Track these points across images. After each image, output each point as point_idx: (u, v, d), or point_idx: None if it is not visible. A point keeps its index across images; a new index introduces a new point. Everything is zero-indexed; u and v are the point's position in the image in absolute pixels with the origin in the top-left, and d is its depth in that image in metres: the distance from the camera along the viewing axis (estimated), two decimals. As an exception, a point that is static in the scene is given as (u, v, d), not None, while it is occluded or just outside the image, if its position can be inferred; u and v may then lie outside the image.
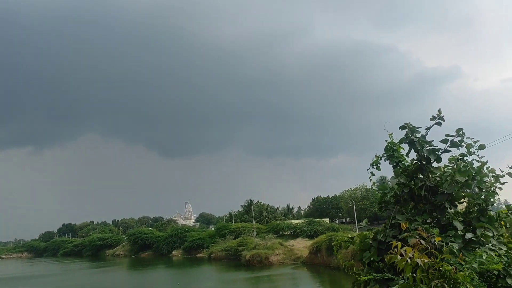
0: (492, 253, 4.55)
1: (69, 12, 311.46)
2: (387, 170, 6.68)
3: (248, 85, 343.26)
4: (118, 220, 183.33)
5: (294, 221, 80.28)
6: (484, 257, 4.32)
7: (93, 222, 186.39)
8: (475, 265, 4.09)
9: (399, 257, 3.41)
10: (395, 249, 3.52)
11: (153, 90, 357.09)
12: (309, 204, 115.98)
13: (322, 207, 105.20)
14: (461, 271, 3.82)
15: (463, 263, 4.25)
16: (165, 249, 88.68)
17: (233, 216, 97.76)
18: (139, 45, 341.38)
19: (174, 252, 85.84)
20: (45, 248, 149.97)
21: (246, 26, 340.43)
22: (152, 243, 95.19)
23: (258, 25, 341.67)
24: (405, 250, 3.47)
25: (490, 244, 4.86)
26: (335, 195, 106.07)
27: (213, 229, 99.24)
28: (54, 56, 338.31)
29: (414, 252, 3.49)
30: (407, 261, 3.40)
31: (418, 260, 3.42)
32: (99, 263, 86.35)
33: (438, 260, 3.56)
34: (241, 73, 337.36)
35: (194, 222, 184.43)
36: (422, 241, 3.73)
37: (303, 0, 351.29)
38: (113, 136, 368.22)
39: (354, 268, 5.74)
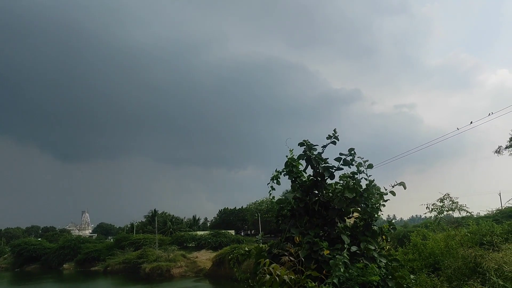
0: (373, 265, 4.91)
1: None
2: (288, 185, 6.92)
3: (154, 93, 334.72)
4: (1, 230, 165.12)
5: (200, 233, 79.46)
6: (342, 271, 4.60)
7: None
8: (335, 281, 4.35)
9: (268, 276, 3.53)
10: (267, 267, 3.65)
11: (50, 88, 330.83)
12: (216, 216, 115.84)
13: (228, 218, 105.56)
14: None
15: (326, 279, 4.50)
16: (55, 261, 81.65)
17: (135, 227, 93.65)
18: (37, 41, 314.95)
19: (65, 265, 79.46)
20: None
21: (155, 32, 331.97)
22: (40, 255, 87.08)
23: (169, 32, 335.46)
24: (273, 267, 3.61)
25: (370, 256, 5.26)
26: (242, 207, 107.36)
27: (112, 240, 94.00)
28: None
29: (281, 268, 3.64)
30: (275, 278, 3.54)
31: (285, 277, 3.57)
32: (-26, 278, 76.67)
33: (303, 277, 3.76)
34: (147, 81, 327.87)
35: (91, 233, 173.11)
36: (291, 258, 3.92)
37: (218, 11, 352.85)
38: (1, 135, 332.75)
39: (249, 281, 5.80)
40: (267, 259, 3.73)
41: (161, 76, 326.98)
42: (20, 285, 60.73)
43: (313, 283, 3.70)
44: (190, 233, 79.81)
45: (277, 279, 3.55)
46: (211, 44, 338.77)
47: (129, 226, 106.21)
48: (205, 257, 60.08)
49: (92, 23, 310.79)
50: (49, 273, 73.84)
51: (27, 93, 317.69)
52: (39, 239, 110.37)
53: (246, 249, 6.50)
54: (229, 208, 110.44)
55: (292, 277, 3.57)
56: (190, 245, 71.90)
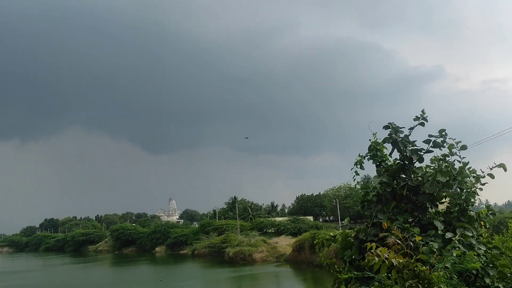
0: (471, 252, 4.61)
1: (51, 11, 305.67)
2: (371, 169, 6.71)
3: (229, 83, 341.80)
4: (101, 216, 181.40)
5: (278, 219, 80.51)
6: (454, 255, 4.36)
7: (76, 217, 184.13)
8: (448, 265, 4.13)
9: (376, 258, 3.42)
10: (373, 250, 3.54)
11: (136, 86, 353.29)
12: (293, 202, 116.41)
13: (306, 205, 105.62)
14: (435, 271, 3.86)
15: (437, 263, 4.28)
16: (148, 245, 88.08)
17: (217, 213, 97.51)
18: (121, 42, 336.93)
19: (157, 249, 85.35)
20: (27, 243, 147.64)
21: (227, 23, 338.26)
22: (135, 239, 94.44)
23: (240, 22, 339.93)
24: (380, 250, 3.49)
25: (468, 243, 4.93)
26: (319, 193, 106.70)
27: (197, 225, 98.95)
28: (36, 51, 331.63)
29: (389, 252, 3.51)
30: (383, 261, 3.42)
31: (393, 260, 3.44)
32: (81, 259, 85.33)
33: (413, 260, 3.59)
34: (222, 71, 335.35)
35: (178, 219, 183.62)
36: (399, 241, 3.75)
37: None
38: (97, 130, 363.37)
39: (335, 266, 5.76)
40: (373, 243, 3.64)
41: (235, 65, 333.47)
42: (120, 266, 66.51)
43: (424, 267, 3.55)
44: (269, 219, 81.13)
45: (386, 262, 3.46)
46: (283, 30, 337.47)
47: (211, 212, 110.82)
48: (284, 243, 60.81)
49: (167, 22, 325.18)
50: (143, 255, 79.86)
51: (117, 92, 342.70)
52: (134, 224, 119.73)
53: (331, 234, 6.45)
54: (306, 194, 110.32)
55: (401, 260, 3.45)
56: (269, 231, 73.18)
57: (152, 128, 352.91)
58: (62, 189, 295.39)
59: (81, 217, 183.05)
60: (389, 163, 6.15)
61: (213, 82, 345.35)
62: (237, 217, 77.14)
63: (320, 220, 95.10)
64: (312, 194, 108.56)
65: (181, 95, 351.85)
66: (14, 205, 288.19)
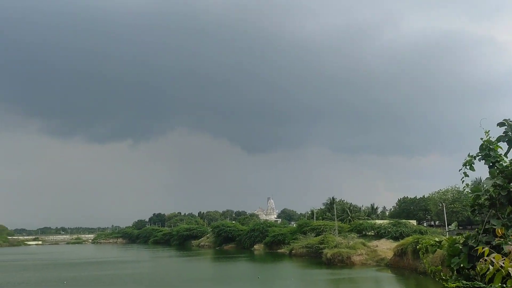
0: None
1: (152, 16, 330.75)
2: (482, 171, 6.18)
3: (329, 83, 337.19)
4: (203, 212, 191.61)
5: (378, 221, 77.48)
6: None
7: (180, 213, 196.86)
8: None
9: (490, 267, 3.13)
10: (487, 257, 3.24)
11: (234, 86, 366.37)
12: (395, 205, 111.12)
13: (408, 208, 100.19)
14: None
15: None
16: (247, 242, 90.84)
17: (314, 213, 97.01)
18: (221, 44, 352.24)
19: (255, 246, 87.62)
20: (138, 235, 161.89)
21: (326, 22, 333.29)
22: (235, 236, 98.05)
23: (339, 20, 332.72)
24: (494, 258, 3.18)
25: None
26: (423, 196, 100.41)
27: (294, 225, 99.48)
28: (147, 59, 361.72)
29: (504, 260, 3.18)
30: (497, 270, 3.11)
31: (510, 269, 3.11)
32: (185, 253, 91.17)
33: None
34: (322, 71, 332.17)
35: (276, 218, 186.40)
36: None
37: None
38: (200, 130, 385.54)
39: (441, 274, 5.41)
40: (486, 248, 3.36)
41: (335, 65, 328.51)
42: (220, 261, 69.69)
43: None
44: (368, 221, 78.46)
45: (502, 270, 3.17)
46: (383, 26, 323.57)
47: (309, 212, 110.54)
48: (385, 247, 58.28)
49: (269, 23, 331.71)
50: (242, 252, 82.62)
51: (215, 94, 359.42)
52: (233, 222, 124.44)
53: (437, 239, 6.05)
54: (408, 197, 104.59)
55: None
56: (369, 233, 70.76)
57: (251, 128, 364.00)
58: (168, 185, 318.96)
59: (185, 213, 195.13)
60: (505, 164, 5.60)
61: (313, 82, 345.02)
62: (335, 218, 75.87)
63: (424, 224, 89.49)
64: (416, 197, 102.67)
65: (281, 96, 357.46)
66: (127, 199, 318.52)
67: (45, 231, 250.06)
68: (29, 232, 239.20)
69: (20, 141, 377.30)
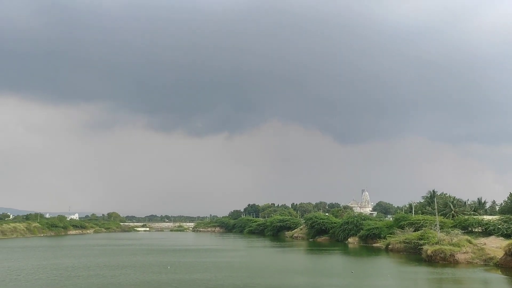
0: None
1: (246, 12, 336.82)
2: None
3: (426, 69, 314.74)
4: (296, 204, 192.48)
5: (487, 217, 70.89)
6: None
7: (273, 204, 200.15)
8: None
9: None
10: None
11: (327, 78, 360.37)
12: (506, 199, 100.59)
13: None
14: None
15: None
16: (341, 235, 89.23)
17: (413, 207, 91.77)
18: (315, 36, 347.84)
19: (350, 239, 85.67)
20: (234, 225, 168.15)
21: (417, 4, 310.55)
22: (328, 229, 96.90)
23: (432, 1, 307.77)
24: None
25: None
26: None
27: (390, 219, 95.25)
28: (237, 56, 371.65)
29: None
30: None
31: None
32: (279, 243, 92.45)
33: None
34: (418, 57, 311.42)
35: (371, 211, 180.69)
36: None
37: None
38: (292, 122, 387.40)
39: None
40: None
41: (431, 49, 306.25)
42: (314, 253, 69.48)
43: None
44: (475, 217, 72.20)
45: None
46: (482, 6, 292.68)
47: (407, 206, 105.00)
48: (494, 245, 53.00)
49: (359, 10, 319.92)
50: (336, 245, 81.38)
51: (309, 86, 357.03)
52: (326, 214, 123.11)
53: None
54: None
55: None
56: (475, 230, 65.15)
57: (344, 119, 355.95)
58: (262, 177, 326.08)
59: (278, 204, 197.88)
60: None
61: (409, 70, 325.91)
62: (436, 213, 70.87)
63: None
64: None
65: (376, 85, 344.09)
66: (223, 190, 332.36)
67: (151, 218, 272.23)
68: (138, 219, 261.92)
69: (129, 135, 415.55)
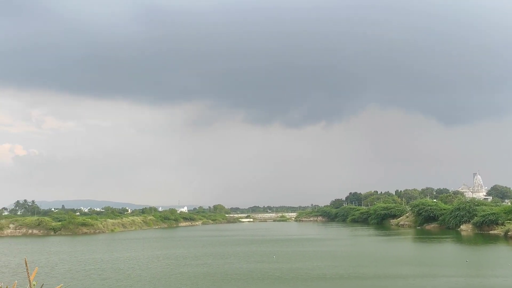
0: None
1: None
2: None
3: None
4: (400, 191, 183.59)
5: None
6: None
7: (376, 191, 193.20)
8: None
9: None
10: None
11: (425, 53, 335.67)
12: None
13: None
14: None
15: None
16: (452, 222, 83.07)
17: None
18: (407, 11, 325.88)
19: (462, 227, 79.37)
20: (336, 214, 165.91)
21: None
22: (437, 216, 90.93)
23: None
24: None
25: None
26: None
27: (509, 203, 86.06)
28: (330, 41, 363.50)
29: None
30: None
31: None
32: (384, 232, 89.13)
33: None
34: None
35: (485, 195, 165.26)
36: None
37: None
38: (391, 105, 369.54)
39: None
40: None
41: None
42: (422, 242, 65.73)
43: None
44: None
45: None
46: None
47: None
48: None
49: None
50: (447, 233, 76.05)
51: (406, 66, 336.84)
52: (434, 200, 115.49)
53: None
54: None
55: None
56: None
57: (447, 98, 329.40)
58: (363, 164, 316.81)
59: (381, 192, 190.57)
60: None
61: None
62: None
63: None
64: None
65: (484, 59, 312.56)
66: (324, 180, 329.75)
67: (254, 209, 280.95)
68: (242, 211, 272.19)
69: (228, 130, 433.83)
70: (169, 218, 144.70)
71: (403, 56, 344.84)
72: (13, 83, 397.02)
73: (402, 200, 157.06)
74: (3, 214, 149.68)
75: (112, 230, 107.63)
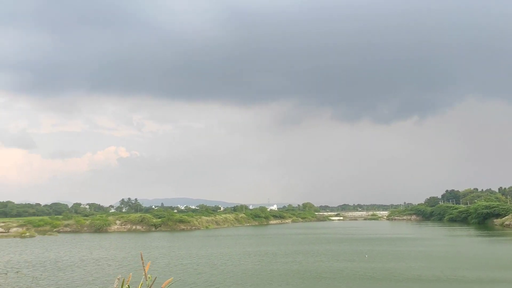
0: None
1: None
2: None
3: None
4: (505, 188, 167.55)
5: None
6: None
7: (477, 189, 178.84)
8: None
9: None
10: None
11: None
12: None
13: None
14: None
15: None
16: None
17: None
18: None
19: None
20: (431, 212, 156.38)
21: None
22: None
23: None
24: None
25: None
26: None
27: None
28: (418, 31, 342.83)
29: None
30: None
31: None
32: (486, 232, 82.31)
33: None
34: None
35: None
36: None
37: None
38: (491, 97, 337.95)
39: None
40: None
41: None
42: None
43: None
44: None
45: None
46: None
47: None
48: None
49: None
50: None
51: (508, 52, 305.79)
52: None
53: None
54: None
55: None
56: None
57: None
58: (460, 160, 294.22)
59: (482, 189, 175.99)
60: None
61: None
62: None
63: None
64: None
65: None
66: (417, 176, 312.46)
67: (344, 207, 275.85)
68: (331, 209, 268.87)
69: (316, 128, 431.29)
70: (259, 216, 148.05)
71: (505, 44, 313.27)
72: (116, 91, 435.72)
73: (507, 198, 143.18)
74: (110, 211, 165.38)
75: (206, 227, 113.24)
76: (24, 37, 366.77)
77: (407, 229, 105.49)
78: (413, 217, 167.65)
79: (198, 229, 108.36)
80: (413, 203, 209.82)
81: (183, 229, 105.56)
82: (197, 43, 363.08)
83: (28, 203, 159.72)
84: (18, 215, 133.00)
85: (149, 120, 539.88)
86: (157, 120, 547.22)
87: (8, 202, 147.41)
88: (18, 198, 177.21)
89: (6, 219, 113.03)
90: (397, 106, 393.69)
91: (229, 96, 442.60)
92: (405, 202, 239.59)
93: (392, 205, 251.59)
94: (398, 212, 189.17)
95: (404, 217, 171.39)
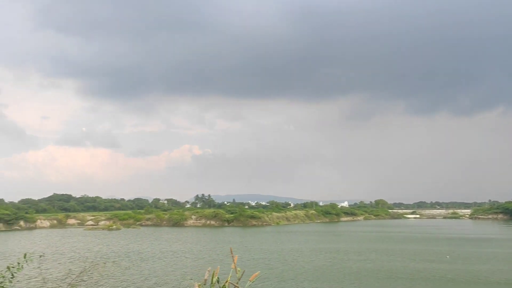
0: None
1: None
2: None
3: None
4: None
5: None
6: None
7: None
8: None
9: None
10: None
11: None
12: None
13: None
14: None
15: None
16: None
17: None
18: None
19: None
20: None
21: None
22: None
23: None
24: None
25: None
26: None
27: None
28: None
29: None
30: None
31: None
32: None
33: None
34: None
35: None
36: None
37: None
38: None
39: None
40: None
41: None
42: None
43: None
44: None
45: None
46: None
47: None
48: None
49: None
50: None
51: None
52: None
53: None
54: None
55: None
56: None
57: None
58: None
59: None
60: None
61: None
62: None
63: None
64: None
65: None
66: (504, 173, 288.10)
67: (420, 205, 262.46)
68: (406, 206, 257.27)
69: (389, 122, 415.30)
70: (330, 213, 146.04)
71: None
72: (189, 91, 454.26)
73: None
74: (186, 206, 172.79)
75: (277, 223, 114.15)
76: (108, 45, 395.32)
77: (493, 229, 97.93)
78: (500, 216, 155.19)
79: (269, 225, 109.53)
80: (500, 201, 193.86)
81: (254, 225, 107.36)
82: (265, 43, 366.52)
83: (114, 198, 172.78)
84: (105, 209, 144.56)
85: (220, 118, 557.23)
86: (227, 118, 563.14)
87: (97, 197, 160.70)
88: (104, 194, 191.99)
89: (95, 213, 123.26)
90: (481, 96, 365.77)
91: (297, 92, 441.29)
92: (490, 200, 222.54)
93: (475, 203, 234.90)
94: (483, 210, 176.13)
95: (490, 216, 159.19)
